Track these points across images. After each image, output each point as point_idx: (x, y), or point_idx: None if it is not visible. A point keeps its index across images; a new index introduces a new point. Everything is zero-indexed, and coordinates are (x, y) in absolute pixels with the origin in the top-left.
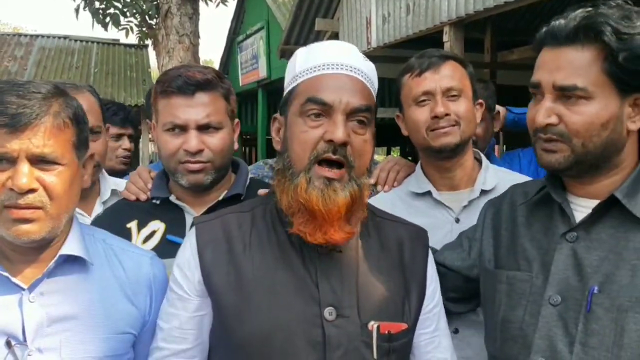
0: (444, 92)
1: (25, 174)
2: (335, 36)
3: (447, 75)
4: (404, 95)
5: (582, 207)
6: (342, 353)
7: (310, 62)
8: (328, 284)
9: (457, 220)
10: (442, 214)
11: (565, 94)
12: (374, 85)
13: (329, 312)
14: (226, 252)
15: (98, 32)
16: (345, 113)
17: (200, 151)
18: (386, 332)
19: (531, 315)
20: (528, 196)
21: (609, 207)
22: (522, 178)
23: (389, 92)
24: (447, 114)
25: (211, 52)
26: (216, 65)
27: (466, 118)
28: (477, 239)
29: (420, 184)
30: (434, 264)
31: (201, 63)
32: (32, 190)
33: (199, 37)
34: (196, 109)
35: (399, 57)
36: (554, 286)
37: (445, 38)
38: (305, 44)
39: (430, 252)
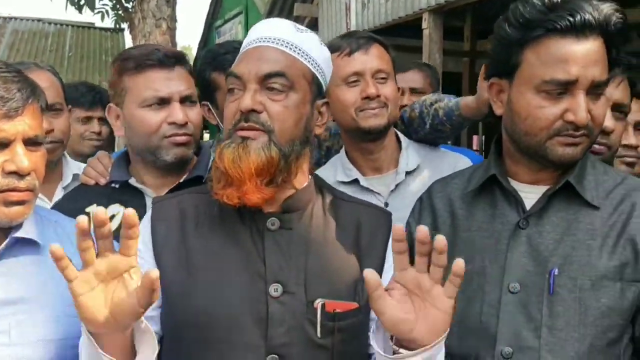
0: (374, 74)
1: (24, 155)
2: (314, 22)
3: (377, 57)
4: (332, 75)
5: (526, 194)
6: (285, 330)
7: (244, 43)
8: (275, 261)
9: (386, 205)
10: (371, 200)
11: (596, 90)
12: (309, 55)
13: (274, 289)
14: (178, 231)
15: (73, 15)
16: (256, 82)
17: (185, 123)
18: (332, 310)
19: (490, 306)
20: (467, 188)
21: (556, 192)
22: (444, 153)
23: None
24: (377, 96)
25: (189, 38)
26: (194, 51)
27: (393, 100)
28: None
29: (347, 172)
30: None
31: (179, 49)
32: (28, 173)
33: (176, 21)
34: (178, 81)
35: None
36: (511, 274)
37: (424, 25)
38: None
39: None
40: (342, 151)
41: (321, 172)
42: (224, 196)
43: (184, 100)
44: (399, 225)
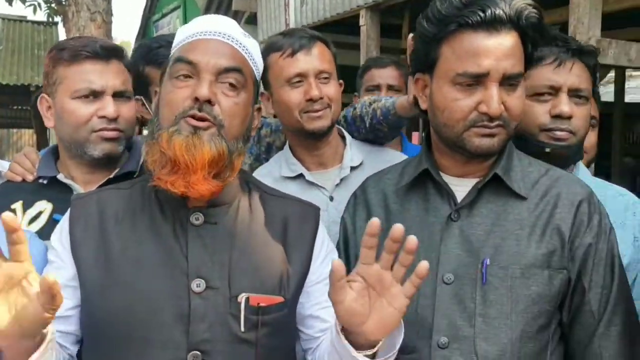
0: (317, 75)
1: None
2: (253, 17)
3: (319, 56)
4: (273, 75)
5: (457, 187)
6: (208, 325)
7: (186, 33)
8: (198, 256)
9: (332, 199)
10: (316, 194)
11: (509, 81)
12: (253, 58)
13: (196, 284)
14: (96, 228)
15: (3, 7)
16: (213, 73)
17: (116, 118)
18: (256, 304)
19: (426, 298)
20: (400, 183)
21: (486, 184)
22: (386, 151)
23: None
24: (321, 97)
25: (129, 33)
26: (132, 46)
27: (336, 100)
28: (350, 234)
29: (291, 167)
30: (327, 239)
31: (117, 43)
32: None
33: (112, 14)
34: (113, 75)
35: (336, 42)
36: (445, 265)
37: (361, 22)
38: None
39: (322, 228)
40: (286, 147)
41: (265, 167)
42: (168, 183)
43: (118, 95)
44: (375, 220)
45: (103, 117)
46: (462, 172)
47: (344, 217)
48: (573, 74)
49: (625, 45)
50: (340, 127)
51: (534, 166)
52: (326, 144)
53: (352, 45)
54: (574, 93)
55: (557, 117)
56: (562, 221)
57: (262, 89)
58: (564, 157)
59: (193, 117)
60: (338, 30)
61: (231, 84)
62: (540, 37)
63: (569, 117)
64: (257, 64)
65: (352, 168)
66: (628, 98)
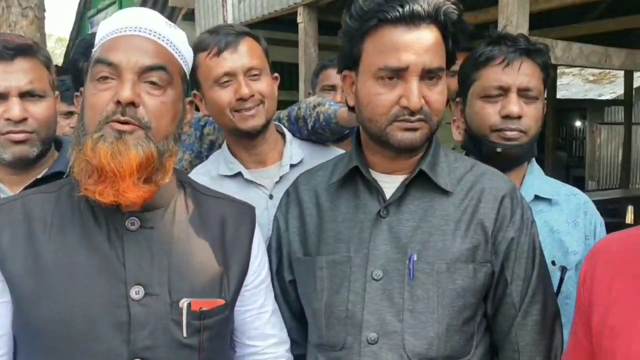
0: (246, 72)
1: None
2: (191, 13)
3: (247, 53)
4: (202, 75)
5: (386, 183)
6: (149, 333)
7: (107, 29)
8: (136, 262)
9: (271, 197)
10: (255, 193)
11: (430, 76)
12: (180, 51)
13: (135, 291)
14: (24, 235)
15: None
16: (135, 73)
17: (24, 120)
18: (198, 309)
19: (356, 294)
20: (331, 180)
21: (413, 181)
22: (328, 149)
23: None
24: (251, 95)
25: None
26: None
27: (269, 96)
28: (282, 232)
29: (229, 165)
30: (261, 240)
31: (53, 40)
32: None
33: (44, 10)
34: (17, 74)
35: (271, 38)
36: (374, 262)
37: (299, 19)
38: None
39: (257, 228)
40: (224, 145)
41: (203, 166)
42: (96, 193)
43: (27, 94)
44: None
45: (8, 119)
46: (390, 168)
47: (277, 216)
48: (522, 74)
49: (550, 43)
50: (280, 125)
51: (460, 162)
52: (264, 142)
53: (291, 42)
54: (523, 92)
55: (507, 117)
56: (485, 216)
57: (195, 89)
58: (515, 157)
59: (117, 121)
60: (276, 27)
61: (156, 83)
62: (461, 33)
63: (519, 117)
64: (185, 57)
65: (292, 166)
66: (560, 94)
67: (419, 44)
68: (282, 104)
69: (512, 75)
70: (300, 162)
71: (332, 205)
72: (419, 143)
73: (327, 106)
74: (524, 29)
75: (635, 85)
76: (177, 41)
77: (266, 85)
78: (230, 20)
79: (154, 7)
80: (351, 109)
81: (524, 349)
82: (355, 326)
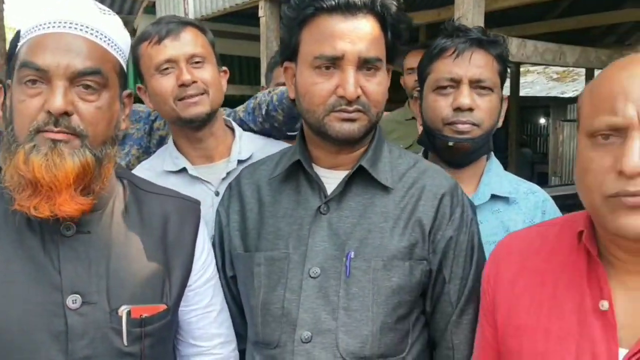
0: (188, 59)
1: None
2: (152, 6)
3: (189, 41)
4: (144, 65)
5: (328, 179)
6: (88, 342)
7: (34, 20)
8: (73, 270)
9: (217, 194)
10: (201, 189)
11: (367, 66)
12: (115, 43)
13: (72, 300)
14: None
15: None
16: (66, 78)
17: None
18: (139, 316)
19: (292, 292)
20: (274, 173)
21: (355, 177)
22: (279, 144)
23: None
24: (194, 82)
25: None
26: None
27: (214, 85)
28: (224, 227)
29: (174, 160)
30: (206, 237)
31: (8, 29)
32: None
33: (3, 2)
34: None
35: (218, 30)
36: (312, 259)
37: (260, 13)
38: (120, 12)
39: (202, 226)
40: (170, 140)
41: (148, 162)
42: (30, 208)
43: None
44: None
45: None
46: (334, 163)
47: (219, 210)
48: (473, 65)
49: (505, 40)
50: (229, 119)
51: (404, 158)
52: (210, 135)
53: (253, 36)
54: (476, 84)
55: (458, 109)
56: (424, 214)
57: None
58: (468, 151)
59: (50, 131)
60: (238, 21)
61: (88, 86)
62: (402, 26)
63: (471, 109)
64: (121, 49)
65: (241, 162)
66: (524, 92)
67: (355, 32)
68: (244, 99)
69: (463, 66)
70: (250, 157)
71: (273, 201)
72: (357, 135)
73: (282, 88)
74: (480, 25)
75: None
76: (112, 32)
77: (210, 74)
78: (191, 14)
79: None
80: (293, 101)
81: (458, 347)
82: (290, 324)
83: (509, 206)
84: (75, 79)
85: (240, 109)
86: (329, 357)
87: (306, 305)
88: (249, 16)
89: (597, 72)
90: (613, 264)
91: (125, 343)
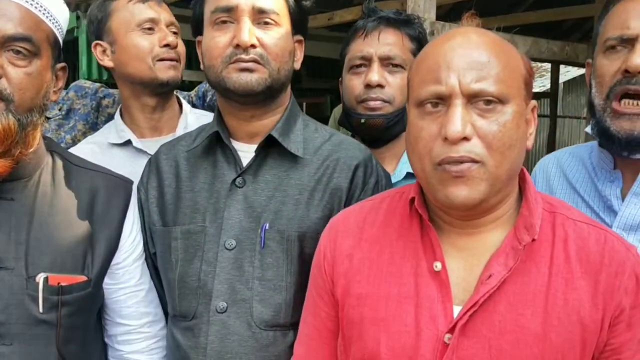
0: (168, 26)
1: None
2: None
3: (169, 11)
4: (119, 20)
5: (244, 153)
6: (2, 307)
7: None
8: None
9: None
10: (145, 162)
11: (263, 18)
12: (51, 14)
13: None
14: None
15: None
16: None
17: None
18: (56, 284)
19: (208, 264)
20: (190, 146)
21: (269, 148)
22: None
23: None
24: (176, 46)
25: None
26: None
27: (182, 59)
28: (143, 202)
29: (120, 133)
30: (137, 215)
31: None
32: None
33: None
34: None
35: (182, 15)
36: (228, 231)
37: None
38: None
39: (133, 203)
40: (117, 114)
41: (94, 136)
42: None
43: None
44: None
45: None
46: (247, 133)
47: (138, 187)
48: (382, 43)
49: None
50: (178, 95)
51: (320, 132)
52: (164, 108)
53: None
54: (386, 61)
55: (368, 86)
56: (339, 185)
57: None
58: (381, 127)
59: None
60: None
61: (21, 52)
62: None
63: (381, 86)
64: (57, 20)
65: None
66: None
67: None
68: (196, 85)
69: (372, 44)
70: None
71: (190, 175)
72: (256, 86)
73: None
74: (431, 13)
75: (563, 79)
76: (50, 3)
77: (182, 46)
78: None
79: None
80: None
81: None
82: (205, 296)
83: None
84: (5, 43)
85: (192, 93)
86: (243, 326)
87: (222, 277)
88: None
89: (562, 67)
90: (443, 228)
91: (41, 310)
